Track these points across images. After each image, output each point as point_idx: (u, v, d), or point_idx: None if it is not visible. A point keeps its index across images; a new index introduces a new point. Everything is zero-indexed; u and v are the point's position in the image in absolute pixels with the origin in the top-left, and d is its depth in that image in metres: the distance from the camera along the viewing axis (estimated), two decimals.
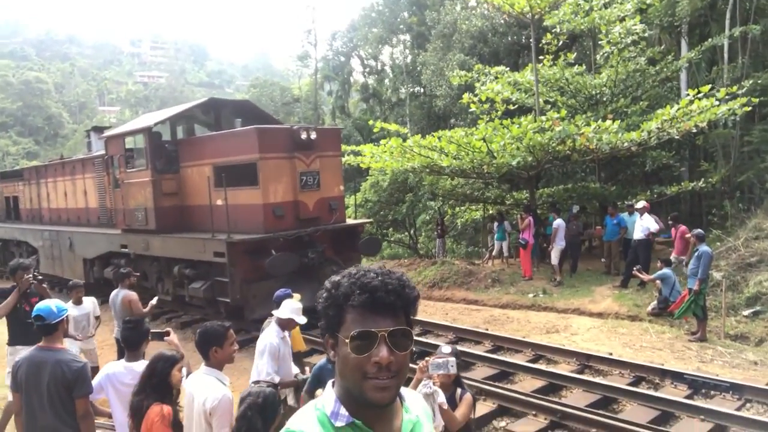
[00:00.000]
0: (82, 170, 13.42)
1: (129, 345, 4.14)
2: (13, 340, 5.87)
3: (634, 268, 10.57)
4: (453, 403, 3.77)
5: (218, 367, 3.49)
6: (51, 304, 3.97)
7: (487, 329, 9.49)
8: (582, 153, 13.07)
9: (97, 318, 7.33)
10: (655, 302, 10.15)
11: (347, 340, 1.29)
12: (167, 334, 4.70)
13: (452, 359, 3.65)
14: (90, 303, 7.08)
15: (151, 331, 4.36)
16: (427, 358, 3.69)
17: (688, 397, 6.45)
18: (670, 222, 12.24)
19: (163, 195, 10.64)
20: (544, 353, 8.16)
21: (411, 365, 3.61)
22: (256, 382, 3.12)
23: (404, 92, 32.65)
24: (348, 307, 1.32)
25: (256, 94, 38.24)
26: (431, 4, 29.61)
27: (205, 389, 3.30)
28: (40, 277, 6.19)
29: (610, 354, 7.79)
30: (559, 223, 13.05)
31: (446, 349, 3.89)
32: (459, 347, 8.40)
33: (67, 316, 4.01)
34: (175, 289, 10.64)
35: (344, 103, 37.24)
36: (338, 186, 10.54)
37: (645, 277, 10.28)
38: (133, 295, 7.27)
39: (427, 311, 11.48)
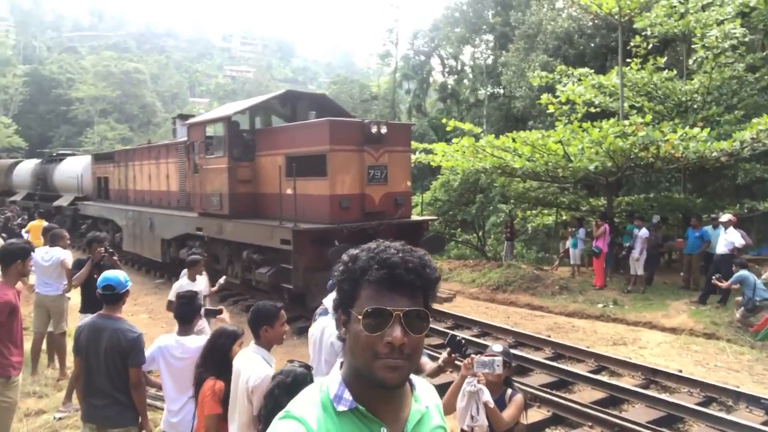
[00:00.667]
0: (166, 155, 14.14)
1: (181, 319, 4.26)
2: (86, 308, 6.22)
3: (714, 277, 10.11)
4: (502, 404, 3.63)
5: (267, 347, 3.54)
6: (119, 274, 4.19)
7: (549, 336, 9.18)
8: (666, 161, 12.39)
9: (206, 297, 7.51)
10: (742, 308, 9.55)
11: (360, 317, 1.23)
12: (220, 311, 4.86)
13: (498, 358, 3.51)
14: (204, 281, 7.09)
15: (206, 308, 4.51)
16: (473, 355, 3.59)
17: (764, 423, 5.92)
18: None
19: (238, 182, 11.03)
20: (607, 365, 7.77)
21: (457, 362, 3.55)
22: (290, 361, 3.15)
23: (483, 93, 32.22)
24: (364, 282, 1.26)
25: (335, 91, 38.97)
26: (516, 4, 29.03)
27: (250, 367, 3.37)
28: (111, 250, 6.56)
29: (680, 371, 7.31)
30: (644, 232, 12.48)
31: (497, 347, 3.76)
32: (518, 352, 8.24)
33: (128, 289, 4.21)
34: (243, 273, 11.00)
35: (421, 102, 37.22)
36: (405, 181, 10.50)
37: (723, 284, 9.85)
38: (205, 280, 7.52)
39: (488, 314, 11.25)
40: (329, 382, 1.30)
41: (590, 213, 16.06)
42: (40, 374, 7.12)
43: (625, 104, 14.62)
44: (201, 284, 6.96)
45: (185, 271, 7.33)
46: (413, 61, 38.27)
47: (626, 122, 11.80)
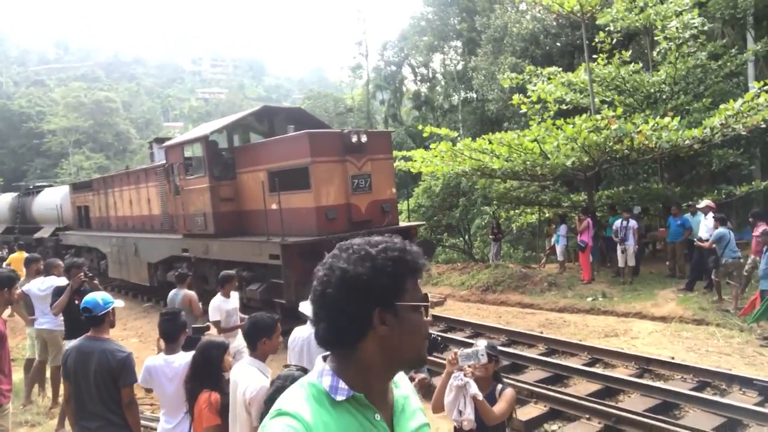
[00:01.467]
0: (146, 179, 14.08)
1: (167, 337, 4.24)
2: (70, 335, 6.10)
3: (695, 239, 10.56)
4: (492, 399, 3.62)
5: (262, 359, 3.58)
6: (97, 296, 4.16)
7: (541, 332, 9.28)
8: (641, 152, 12.66)
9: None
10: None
11: (415, 304, 1.32)
12: (207, 329, 4.86)
13: (482, 347, 3.49)
14: (236, 297, 7.03)
15: (193, 326, 4.51)
16: (455, 350, 3.60)
17: (758, 404, 6.05)
18: (750, 220, 11.24)
19: (220, 200, 11.02)
20: (600, 357, 7.89)
21: (439, 357, 3.59)
22: (287, 366, 3.19)
23: (456, 98, 32.57)
24: (407, 273, 1.31)
25: (310, 105, 39.03)
26: (481, 9, 29.48)
27: (247, 379, 3.40)
28: (90, 275, 6.51)
29: (672, 358, 7.46)
30: (634, 223, 12.70)
31: (481, 342, 3.81)
32: (512, 349, 8.34)
33: (113, 308, 4.18)
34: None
35: (396, 111, 37.49)
36: (390, 188, 10.57)
37: (704, 244, 10.38)
38: (193, 294, 7.51)
39: (480, 314, 11.35)
40: (317, 377, 1.31)
41: (572, 209, 16.30)
42: (33, 403, 7.04)
43: (596, 99, 14.93)
44: (236, 300, 6.95)
45: (178, 291, 7.33)
46: (385, 71, 38.57)
47: (598, 117, 12.05)
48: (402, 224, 11.26)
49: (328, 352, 1.36)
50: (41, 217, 21.10)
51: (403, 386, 1.45)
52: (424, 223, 16.56)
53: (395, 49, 38.48)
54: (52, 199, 20.32)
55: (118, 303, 4.35)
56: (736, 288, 9.99)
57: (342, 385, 1.27)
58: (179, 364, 4.03)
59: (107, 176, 18.26)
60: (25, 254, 11.35)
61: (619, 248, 12.73)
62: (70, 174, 52.86)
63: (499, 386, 3.72)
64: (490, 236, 18.05)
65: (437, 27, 33.50)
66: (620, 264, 12.95)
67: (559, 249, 14.78)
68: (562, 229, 14.59)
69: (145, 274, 13.69)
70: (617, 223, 12.92)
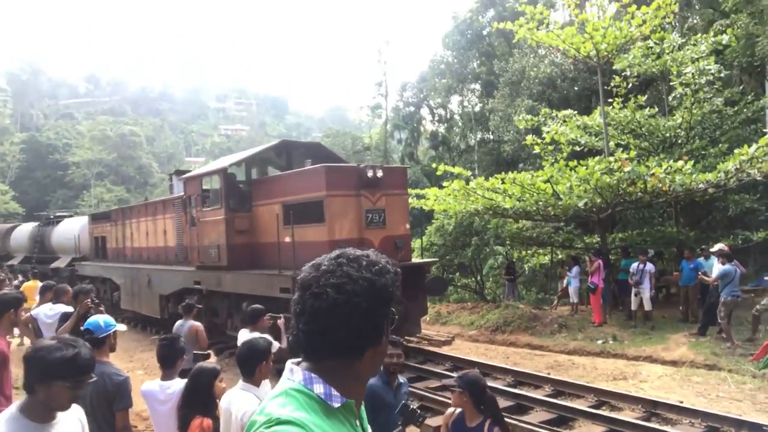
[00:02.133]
0: (163, 211, 14.30)
1: (165, 363, 4.24)
2: None
3: (699, 272, 10.56)
4: None
5: (257, 384, 3.60)
6: (99, 319, 4.23)
7: (548, 373, 9.14)
8: (655, 195, 12.62)
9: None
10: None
11: (385, 326, 1.34)
12: (208, 356, 4.90)
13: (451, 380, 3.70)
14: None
15: (195, 352, 4.54)
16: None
17: None
18: None
19: (235, 233, 11.12)
20: (607, 399, 7.74)
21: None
22: None
23: (472, 139, 32.89)
24: (394, 300, 1.35)
25: (329, 143, 39.60)
26: (500, 53, 30.05)
27: (243, 404, 3.41)
28: (97, 301, 6.61)
29: (681, 402, 7.28)
30: (651, 267, 12.58)
31: (455, 374, 3.94)
32: (517, 390, 8.21)
33: (114, 332, 4.23)
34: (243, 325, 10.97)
35: (413, 151, 37.91)
36: (404, 224, 10.52)
37: (708, 279, 10.39)
38: (199, 325, 7.52)
39: (487, 354, 11.21)
40: (304, 384, 1.29)
41: (585, 250, 16.19)
42: None
43: (611, 143, 15.01)
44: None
45: (184, 322, 7.34)
46: (403, 111, 39.20)
47: (611, 159, 12.10)
48: (414, 261, 11.25)
49: (297, 359, 1.36)
50: (59, 247, 21.46)
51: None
52: (436, 260, 16.51)
53: (414, 90, 39.19)
54: (71, 230, 20.71)
55: (120, 327, 4.40)
56: (725, 323, 10.15)
57: (334, 392, 1.28)
58: (174, 390, 4.04)
59: (125, 207, 18.56)
60: (39, 282, 11.55)
61: (633, 291, 12.58)
62: (90, 206, 53.95)
63: (488, 422, 3.68)
64: (504, 276, 17.93)
65: (456, 70, 34.13)
66: (633, 307, 12.76)
67: (571, 291, 14.63)
68: (575, 270, 14.47)
69: (156, 306, 13.74)
70: (634, 266, 12.78)
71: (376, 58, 38.49)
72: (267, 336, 4.98)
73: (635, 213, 17.71)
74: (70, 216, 24.67)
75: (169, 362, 4.24)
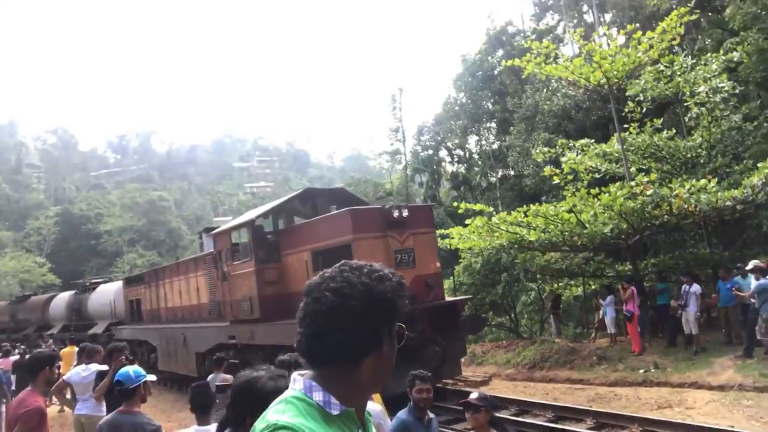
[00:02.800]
0: (195, 268, 14.58)
1: (199, 408, 4.30)
2: None
3: (733, 288, 10.19)
4: None
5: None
6: (130, 370, 4.36)
7: (590, 406, 8.91)
8: (682, 216, 12.48)
9: None
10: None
11: (388, 334, 1.37)
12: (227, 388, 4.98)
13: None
14: None
15: (217, 384, 4.62)
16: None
17: None
18: None
19: (266, 284, 11.19)
20: (653, 428, 7.51)
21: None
22: None
23: (493, 177, 33.00)
24: (398, 310, 1.40)
25: (351, 192, 40.10)
26: (512, 91, 30.45)
27: None
28: (131, 358, 6.76)
29: (732, 427, 7.03)
30: (697, 288, 12.26)
31: (473, 395, 3.94)
32: (558, 425, 8.02)
33: (145, 382, 4.35)
34: None
35: (435, 193, 38.09)
36: (434, 262, 10.41)
37: (742, 294, 10.12)
38: (230, 378, 7.59)
39: (526, 392, 10.99)
40: (304, 391, 1.33)
41: (618, 279, 15.92)
42: None
43: (632, 168, 14.96)
44: None
45: (215, 375, 7.41)
46: (422, 155, 39.63)
47: (632, 183, 12.06)
48: (448, 299, 11.10)
49: (304, 371, 1.40)
50: (95, 313, 21.89)
51: (369, 406, 1.56)
52: (470, 296, 16.29)
53: (431, 133, 39.69)
54: (106, 295, 21.16)
55: (150, 377, 4.52)
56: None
57: (334, 400, 1.31)
58: None
59: (158, 268, 18.92)
60: (76, 348, 11.79)
61: (682, 315, 12.19)
62: (123, 272, 55.06)
63: None
64: (552, 310, 17.58)
65: (470, 110, 34.58)
66: (687, 330, 12.28)
67: (608, 321, 14.31)
68: (609, 299, 14.20)
69: (193, 365, 13.80)
70: (684, 288, 12.42)
71: (390, 104, 39.06)
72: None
73: (666, 237, 17.44)
74: (105, 282, 25.22)
75: (203, 408, 4.31)
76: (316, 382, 1.35)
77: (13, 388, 11.17)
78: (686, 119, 15.81)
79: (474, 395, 3.90)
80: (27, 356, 15.01)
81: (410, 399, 4.23)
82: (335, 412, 1.30)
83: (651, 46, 13.29)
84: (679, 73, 14.45)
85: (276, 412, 1.30)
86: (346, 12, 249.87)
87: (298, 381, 1.36)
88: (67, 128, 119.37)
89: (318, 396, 1.32)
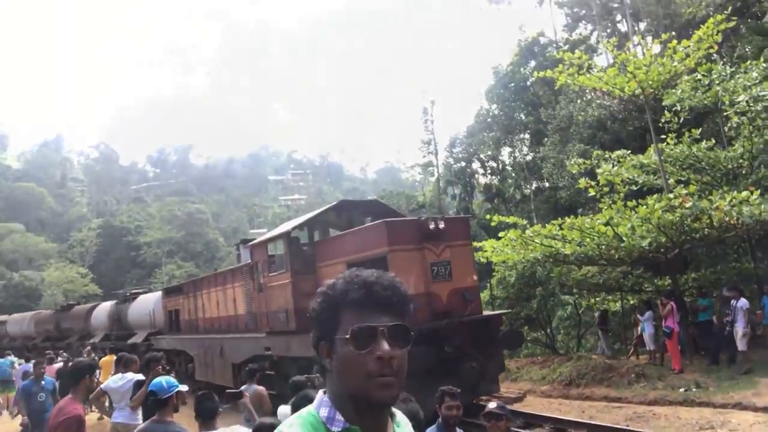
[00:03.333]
0: (232, 280, 14.82)
1: (202, 416, 4.40)
2: None
3: None
4: None
5: None
6: (163, 380, 4.49)
7: (627, 425, 8.70)
8: (723, 230, 12.13)
9: None
10: None
11: (347, 337, 1.29)
12: (241, 395, 5.10)
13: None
14: None
15: (228, 391, 4.73)
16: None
17: None
18: None
19: (301, 295, 11.19)
20: None
21: None
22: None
23: (527, 189, 32.68)
24: (345, 305, 1.33)
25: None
26: (546, 102, 30.21)
27: None
28: (168, 368, 6.94)
29: None
30: (744, 302, 11.88)
31: (492, 404, 3.98)
32: None
33: (178, 392, 4.47)
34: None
35: (468, 205, 37.90)
36: (471, 275, 10.23)
37: None
38: (263, 390, 7.67)
39: (561, 410, 10.79)
40: (316, 406, 1.35)
41: (656, 293, 15.55)
42: None
43: (670, 179, 14.65)
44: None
45: (248, 386, 7.48)
46: (454, 167, 39.55)
47: (671, 195, 11.81)
48: (486, 313, 10.92)
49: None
50: (135, 323, 22.43)
51: (404, 426, 1.46)
52: (509, 310, 16.07)
53: (463, 145, 39.61)
54: (146, 305, 21.67)
55: (183, 387, 4.65)
56: None
57: (339, 417, 1.31)
58: None
59: (196, 279, 19.28)
60: (115, 357, 12.13)
61: (736, 331, 11.77)
62: (162, 282, 56.34)
63: None
64: (599, 327, 17.21)
65: (503, 121, 34.43)
66: (740, 348, 11.83)
67: (646, 337, 13.97)
68: (647, 315, 13.87)
69: (229, 375, 13.97)
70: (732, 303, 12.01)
71: (423, 117, 39.21)
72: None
73: (707, 251, 16.97)
74: (145, 292, 25.83)
75: (207, 414, 4.41)
76: (328, 397, 1.36)
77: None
78: (726, 129, 15.42)
79: (493, 405, 3.94)
80: (69, 364, 15.53)
81: (439, 416, 4.23)
82: (335, 429, 1.30)
83: (687, 55, 13.05)
84: (717, 81, 14.11)
85: (286, 425, 1.34)
86: (378, 25, 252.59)
87: (317, 397, 1.39)
88: (109, 143, 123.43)
89: (323, 412, 1.33)
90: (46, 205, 79.31)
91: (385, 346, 1.29)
